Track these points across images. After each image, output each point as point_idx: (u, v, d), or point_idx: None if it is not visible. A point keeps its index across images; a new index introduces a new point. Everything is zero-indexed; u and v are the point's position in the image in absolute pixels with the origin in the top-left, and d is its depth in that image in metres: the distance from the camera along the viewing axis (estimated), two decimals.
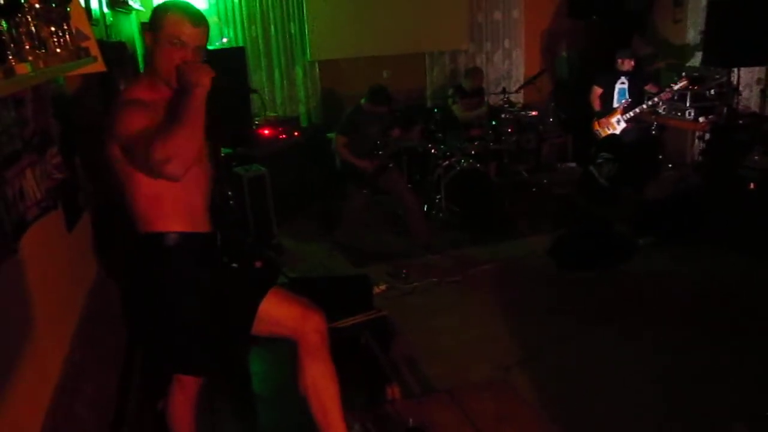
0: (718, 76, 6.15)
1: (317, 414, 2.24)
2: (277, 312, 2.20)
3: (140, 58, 4.83)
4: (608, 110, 6.05)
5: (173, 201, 2.03)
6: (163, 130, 1.83)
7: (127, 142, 1.88)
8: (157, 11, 2.04)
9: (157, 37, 2.00)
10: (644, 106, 5.80)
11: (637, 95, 5.99)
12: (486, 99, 6.66)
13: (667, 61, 7.14)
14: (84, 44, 1.95)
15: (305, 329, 2.20)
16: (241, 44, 6.36)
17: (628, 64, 6.00)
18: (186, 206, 2.08)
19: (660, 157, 6.49)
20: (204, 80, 1.90)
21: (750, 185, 5.02)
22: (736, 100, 5.99)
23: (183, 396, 2.34)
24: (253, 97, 5.58)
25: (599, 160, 5.92)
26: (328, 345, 2.26)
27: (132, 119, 1.88)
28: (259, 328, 2.20)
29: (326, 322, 2.27)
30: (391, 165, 5.28)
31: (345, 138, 5.17)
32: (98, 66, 2.05)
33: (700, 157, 6.30)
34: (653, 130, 6.24)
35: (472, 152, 5.95)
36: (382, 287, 4.40)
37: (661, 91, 5.81)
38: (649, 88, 6.00)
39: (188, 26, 2.00)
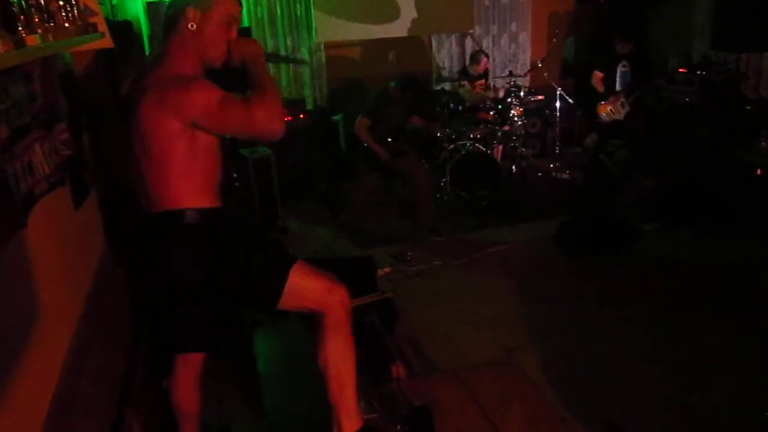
0: (725, 63, 6.11)
1: (333, 388, 2.25)
2: (305, 284, 2.18)
3: (146, 39, 4.81)
4: (611, 94, 6.01)
5: (204, 177, 2.04)
6: (255, 96, 1.94)
7: (207, 114, 1.89)
8: None
9: (208, 16, 1.99)
10: (647, 88, 5.78)
11: (640, 78, 5.95)
12: (490, 82, 6.64)
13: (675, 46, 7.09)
14: (92, 20, 1.95)
15: (331, 302, 2.20)
16: (246, 25, 6.32)
17: (626, 48, 5.96)
18: (213, 182, 2.08)
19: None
20: (260, 49, 2.08)
21: (757, 171, 5.00)
22: (744, 86, 5.95)
23: (187, 374, 2.34)
24: None
25: (610, 149, 5.89)
26: (351, 321, 2.26)
27: (209, 93, 1.90)
28: (286, 301, 2.18)
29: (350, 297, 2.26)
30: (409, 150, 5.27)
31: (369, 120, 5.15)
32: (106, 42, 2.04)
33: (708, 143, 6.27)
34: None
35: (478, 136, 5.94)
36: (387, 270, 4.41)
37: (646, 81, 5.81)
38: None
39: (239, 4, 2.08)
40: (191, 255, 2.05)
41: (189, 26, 1.98)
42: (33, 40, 1.30)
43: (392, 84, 5.20)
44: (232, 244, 2.14)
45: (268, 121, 1.90)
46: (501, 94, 6.47)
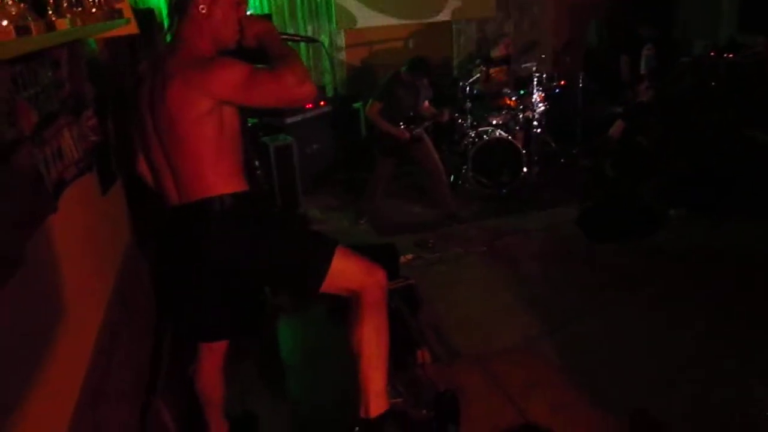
0: (754, 46, 5.97)
1: (364, 369, 2.24)
2: (347, 266, 2.19)
3: (167, 27, 4.82)
4: (636, 78, 5.93)
5: (233, 162, 2.04)
6: (279, 63, 1.94)
7: (239, 88, 1.90)
8: None
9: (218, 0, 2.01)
10: (674, 72, 5.67)
11: (665, 61, 5.85)
12: (513, 68, 6.57)
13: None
14: (118, 6, 1.95)
15: (370, 283, 2.21)
16: (266, 12, 6.32)
17: (651, 31, 5.86)
18: (240, 166, 2.08)
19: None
20: (270, 25, 2.12)
21: None
22: None
23: (212, 361, 2.37)
24: None
25: (646, 129, 5.78)
26: (387, 302, 2.27)
27: (236, 67, 1.91)
28: (327, 283, 2.17)
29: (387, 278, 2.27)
30: (423, 136, 5.23)
31: (379, 104, 5.09)
32: (131, 28, 2.05)
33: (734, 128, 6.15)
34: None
35: (500, 122, 5.89)
36: (409, 257, 4.41)
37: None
38: None
39: None
40: (233, 241, 2.05)
41: (200, 9, 1.99)
42: (62, 23, 1.30)
43: (403, 68, 5.13)
44: (273, 228, 2.14)
45: (298, 83, 1.89)
46: (523, 79, 6.38)
